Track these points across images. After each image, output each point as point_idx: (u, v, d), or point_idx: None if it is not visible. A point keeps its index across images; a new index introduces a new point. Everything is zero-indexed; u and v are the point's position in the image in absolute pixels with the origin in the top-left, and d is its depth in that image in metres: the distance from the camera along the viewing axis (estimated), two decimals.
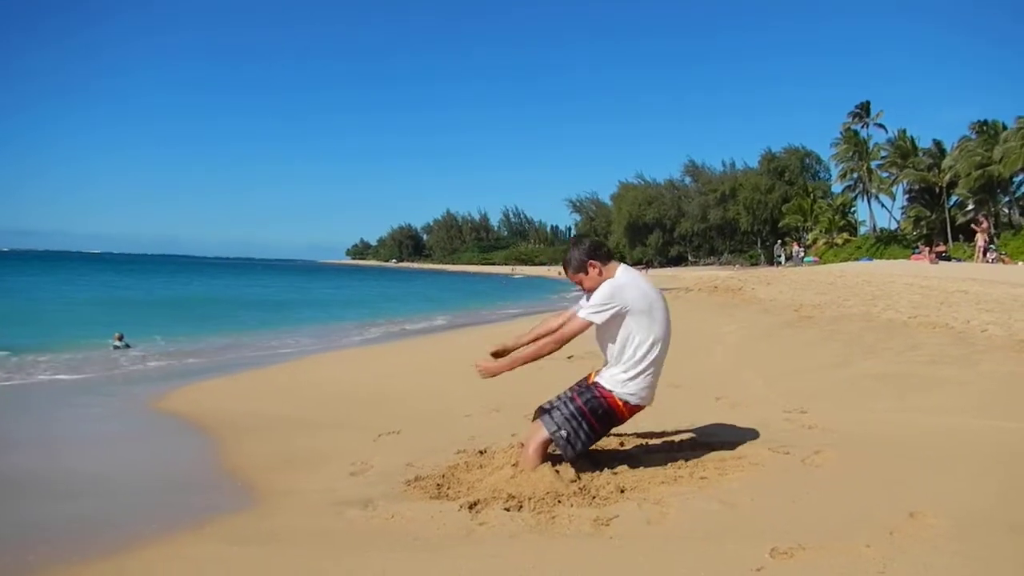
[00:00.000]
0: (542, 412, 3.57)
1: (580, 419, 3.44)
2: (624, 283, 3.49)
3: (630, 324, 3.46)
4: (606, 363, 3.63)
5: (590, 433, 3.46)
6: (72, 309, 21.23)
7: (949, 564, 2.26)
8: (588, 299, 3.58)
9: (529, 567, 2.51)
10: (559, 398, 3.59)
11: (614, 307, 3.43)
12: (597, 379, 3.61)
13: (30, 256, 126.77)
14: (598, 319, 3.44)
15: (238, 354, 11.63)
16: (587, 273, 3.57)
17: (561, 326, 3.56)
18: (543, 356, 3.52)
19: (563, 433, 3.43)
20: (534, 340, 3.65)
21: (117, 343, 11.97)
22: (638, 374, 3.48)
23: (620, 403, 3.49)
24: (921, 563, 2.28)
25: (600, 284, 3.51)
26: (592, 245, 3.63)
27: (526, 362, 3.54)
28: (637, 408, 3.55)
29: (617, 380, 3.51)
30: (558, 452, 3.49)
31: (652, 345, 3.47)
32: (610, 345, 3.55)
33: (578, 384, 3.68)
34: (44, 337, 12.72)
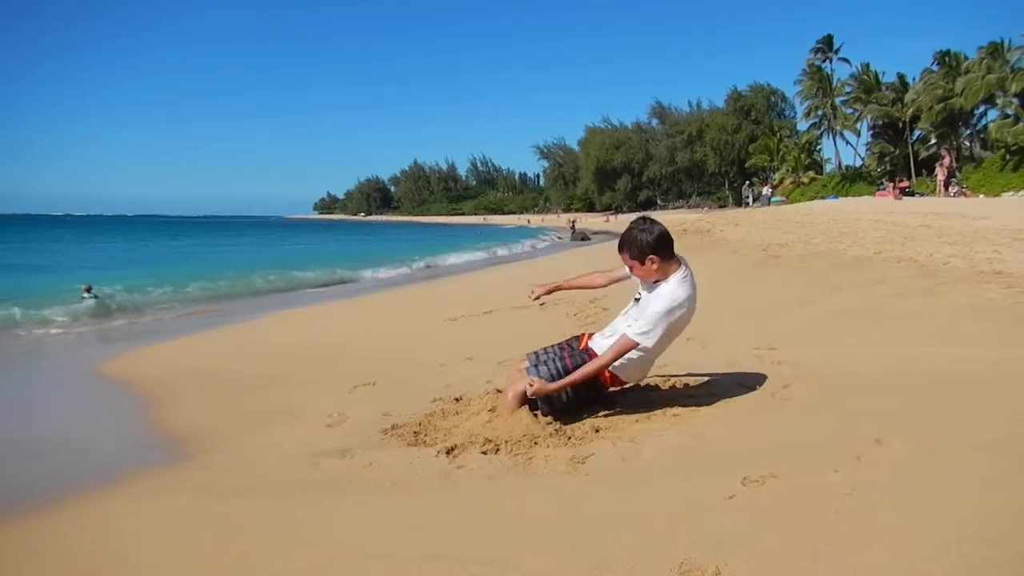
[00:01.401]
0: (530, 362, 3.56)
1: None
2: (688, 298, 3.36)
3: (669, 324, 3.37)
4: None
5: (571, 395, 3.47)
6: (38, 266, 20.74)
7: (913, 484, 2.33)
8: (642, 287, 3.51)
9: (507, 506, 2.55)
10: (547, 352, 3.59)
11: (665, 325, 3.32)
12: (591, 344, 3.60)
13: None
14: (648, 341, 3.31)
15: (204, 311, 11.47)
16: (643, 264, 3.37)
17: (611, 279, 3.87)
18: (593, 288, 4.02)
19: None
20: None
21: (85, 294, 11.80)
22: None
23: (607, 372, 3.49)
24: (887, 484, 2.35)
25: (654, 278, 3.40)
26: (660, 238, 3.35)
27: (574, 288, 4.03)
28: (621, 382, 3.57)
29: None
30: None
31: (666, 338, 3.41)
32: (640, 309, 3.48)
33: (570, 344, 3.68)
34: (8, 291, 12.45)
